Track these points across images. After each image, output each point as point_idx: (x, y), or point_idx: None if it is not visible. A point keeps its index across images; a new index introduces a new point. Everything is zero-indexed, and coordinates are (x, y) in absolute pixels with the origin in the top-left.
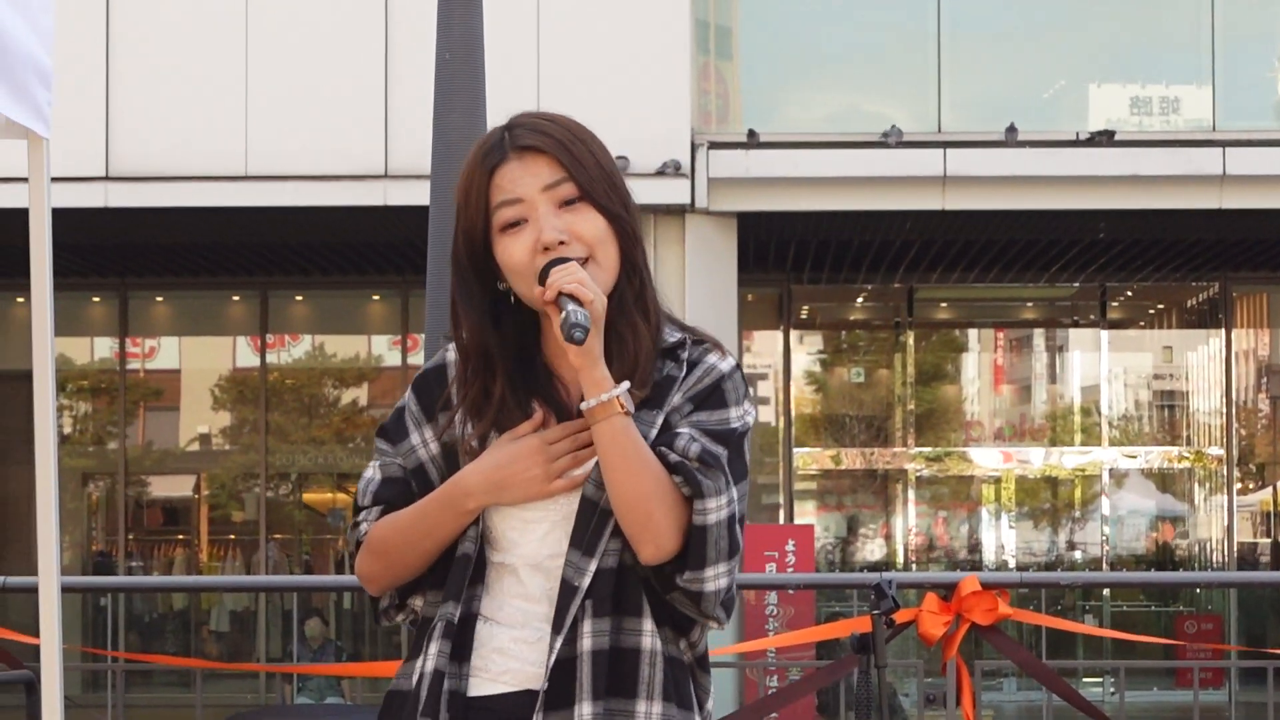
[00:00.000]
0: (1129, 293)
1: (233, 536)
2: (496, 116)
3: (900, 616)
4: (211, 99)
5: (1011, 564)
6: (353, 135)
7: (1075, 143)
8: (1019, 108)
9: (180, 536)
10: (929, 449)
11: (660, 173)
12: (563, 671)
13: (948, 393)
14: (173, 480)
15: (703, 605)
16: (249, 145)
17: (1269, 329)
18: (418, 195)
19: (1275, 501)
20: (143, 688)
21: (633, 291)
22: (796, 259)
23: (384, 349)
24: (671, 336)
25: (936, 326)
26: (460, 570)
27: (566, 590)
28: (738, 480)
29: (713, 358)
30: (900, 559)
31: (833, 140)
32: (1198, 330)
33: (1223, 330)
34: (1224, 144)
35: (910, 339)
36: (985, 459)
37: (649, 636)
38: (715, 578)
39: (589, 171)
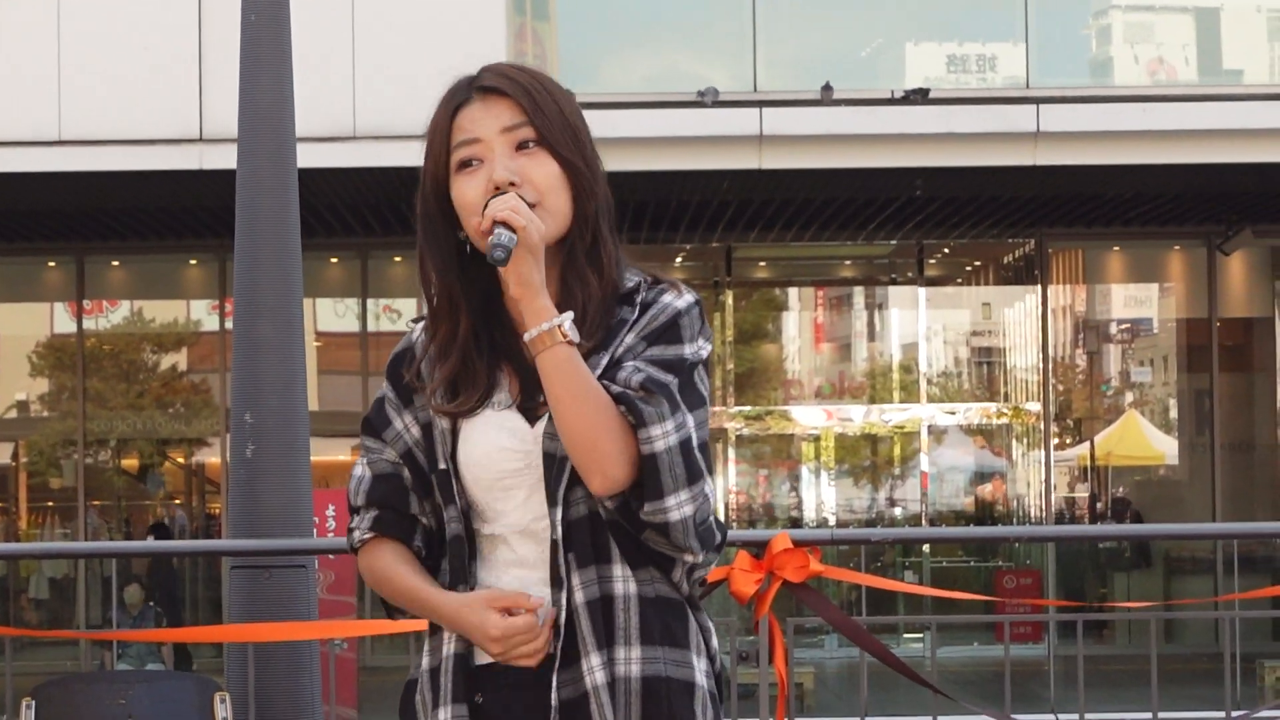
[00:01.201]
0: (946, 250)
1: (51, 504)
2: (307, 80)
3: (711, 575)
4: (23, 62)
5: (832, 521)
6: (167, 98)
7: (891, 101)
8: (836, 67)
9: None
10: (749, 408)
11: None
12: (566, 627)
13: (767, 352)
14: None
15: (672, 536)
16: (62, 109)
17: (1084, 285)
18: (233, 159)
19: (1092, 456)
20: None
21: (584, 245)
22: (615, 220)
23: (203, 313)
24: (629, 282)
25: (755, 286)
26: (458, 552)
27: (554, 547)
28: (693, 407)
29: (668, 296)
30: (721, 519)
31: (649, 100)
32: (1014, 287)
33: (1039, 286)
34: (1038, 101)
35: (729, 298)
36: (805, 417)
37: (620, 582)
38: (678, 506)
39: (549, 118)
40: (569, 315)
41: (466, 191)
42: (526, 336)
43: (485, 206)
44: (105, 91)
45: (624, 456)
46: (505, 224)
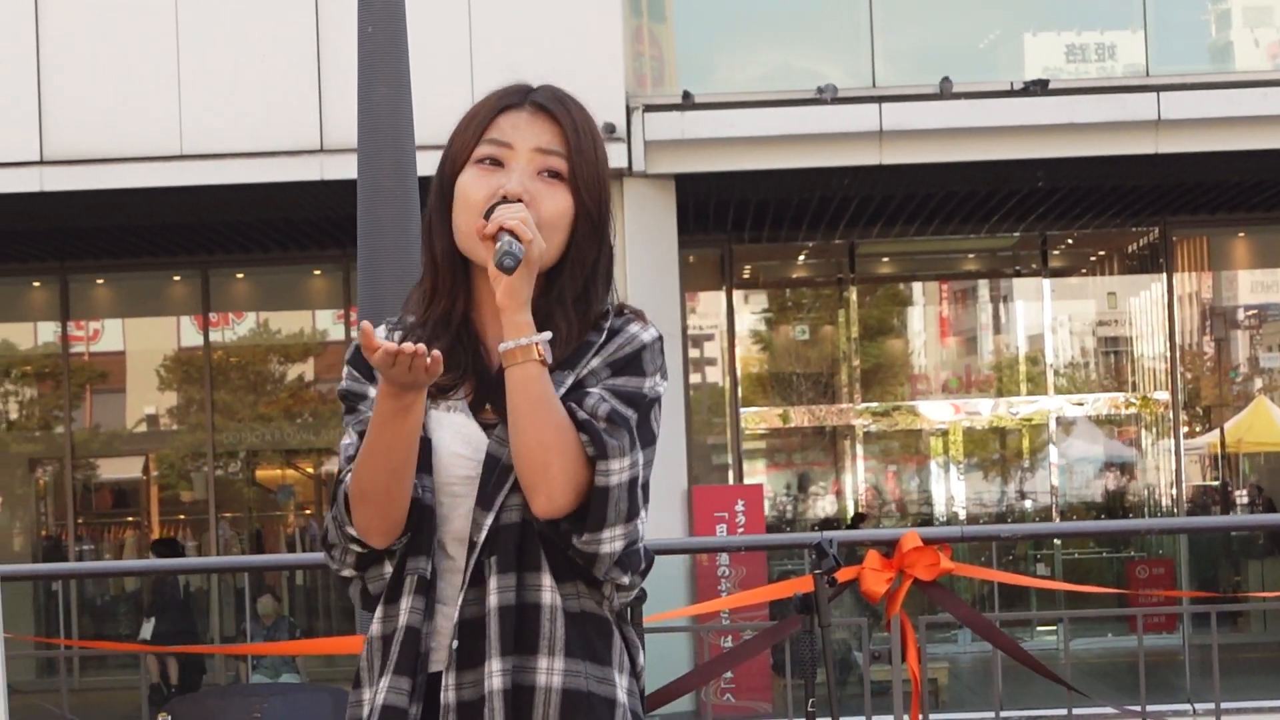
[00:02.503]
0: (1070, 241)
1: (183, 516)
2: (425, 88)
3: (842, 575)
4: (143, 77)
5: (962, 516)
6: (287, 110)
7: (1010, 93)
8: (954, 59)
9: (130, 519)
10: (876, 404)
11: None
12: (473, 629)
13: (893, 347)
14: (121, 462)
15: (595, 566)
16: (183, 123)
17: (1210, 272)
18: (354, 168)
19: (1222, 444)
20: (97, 671)
21: (574, 288)
22: (736, 219)
23: (328, 323)
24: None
25: (879, 281)
26: (424, 521)
27: (470, 547)
28: (645, 445)
29: (634, 327)
30: (850, 515)
31: (767, 99)
32: (1139, 276)
33: (1164, 275)
34: (1158, 89)
35: (853, 295)
36: (933, 412)
37: (549, 591)
38: (611, 540)
39: (584, 161)
40: (547, 335)
41: (473, 187)
42: (502, 347)
43: (489, 211)
44: (225, 104)
45: (572, 483)
46: (513, 234)
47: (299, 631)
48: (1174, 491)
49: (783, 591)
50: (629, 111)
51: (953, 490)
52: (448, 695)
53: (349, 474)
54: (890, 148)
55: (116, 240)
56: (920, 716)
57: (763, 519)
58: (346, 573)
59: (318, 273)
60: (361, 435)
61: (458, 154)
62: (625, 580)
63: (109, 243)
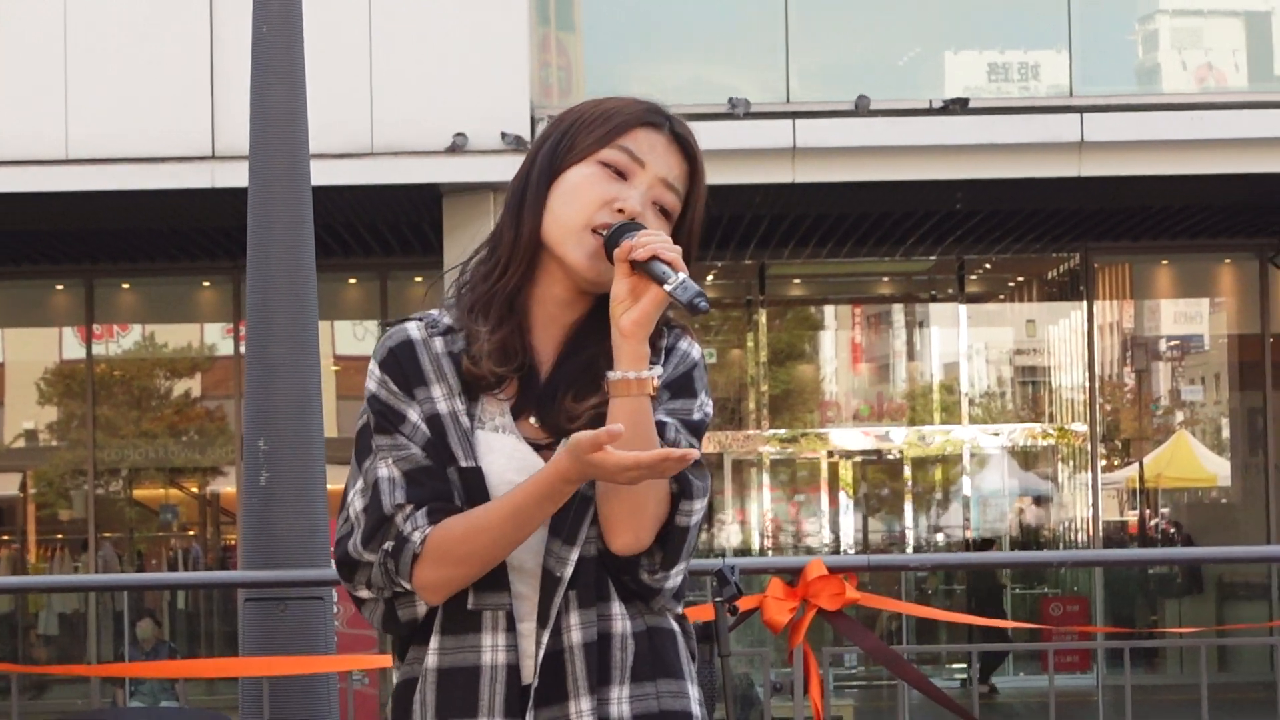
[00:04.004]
0: (988, 265)
1: (61, 535)
2: (321, 92)
3: (744, 603)
4: (29, 78)
5: (871, 548)
6: (177, 114)
7: (929, 111)
8: (872, 76)
9: (5, 537)
10: (784, 430)
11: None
12: (553, 665)
13: (803, 372)
14: None
15: (654, 600)
16: (69, 127)
17: (1132, 300)
18: (247, 176)
19: (1141, 478)
20: None
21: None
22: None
23: (217, 337)
24: None
25: (790, 304)
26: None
27: (550, 581)
28: None
29: (684, 344)
30: (755, 545)
31: (678, 113)
32: (1059, 303)
33: (1084, 303)
34: (1082, 109)
35: (763, 317)
36: (843, 440)
37: (619, 620)
38: (677, 575)
39: (693, 209)
40: (659, 369)
41: (589, 185)
42: (618, 376)
43: (623, 230)
44: (113, 107)
45: (658, 523)
46: (670, 266)
47: (180, 656)
48: (1091, 527)
49: None
50: (534, 122)
51: (861, 523)
52: None
53: (425, 531)
54: (803, 165)
55: None
56: None
57: None
58: (365, 594)
59: (207, 284)
60: (406, 467)
61: (581, 145)
62: (679, 609)
63: None
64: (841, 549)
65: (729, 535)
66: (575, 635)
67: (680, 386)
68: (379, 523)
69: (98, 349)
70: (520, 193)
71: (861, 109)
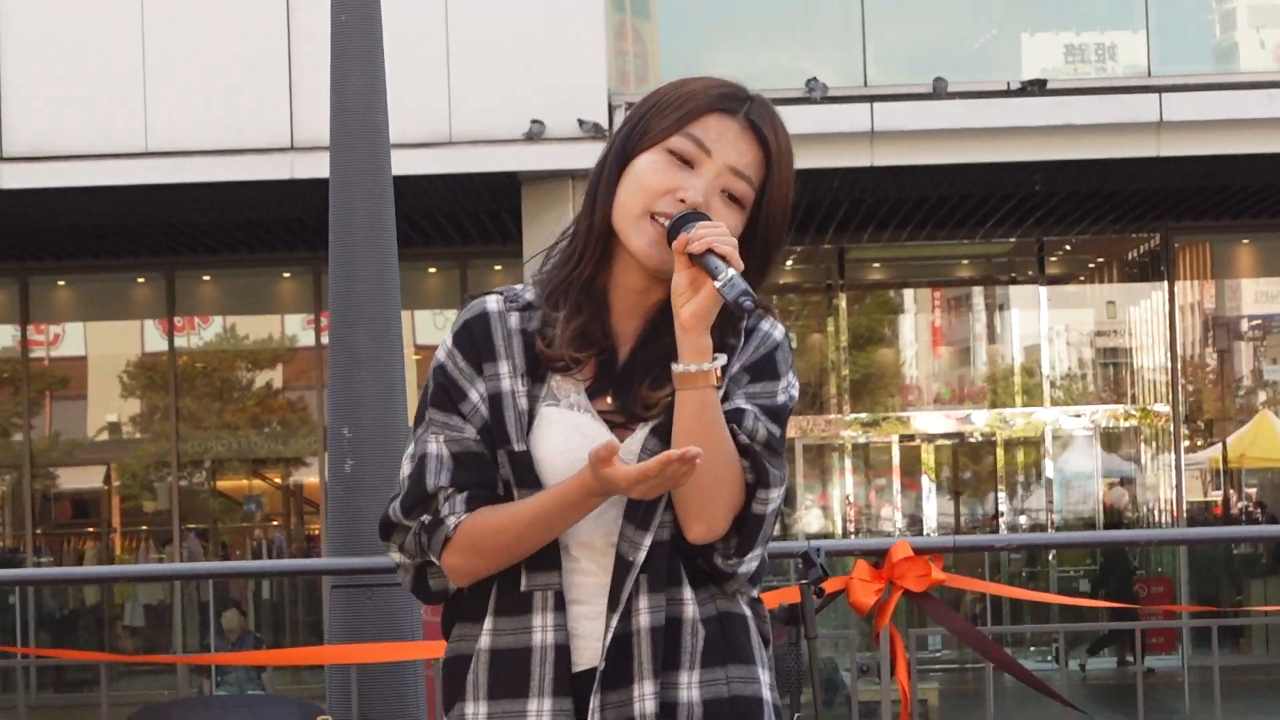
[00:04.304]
0: (1068, 247)
1: (146, 527)
2: (401, 82)
3: (830, 585)
4: (108, 72)
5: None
6: (256, 107)
7: (1006, 93)
8: (948, 59)
9: (91, 529)
10: (866, 415)
11: (578, 137)
12: (620, 648)
13: (884, 356)
14: (81, 471)
15: (729, 584)
16: (148, 120)
17: (1213, 280)
18: (326, 167)
19: (1224, 458)
20: (55, 687)
21: (731, 316)
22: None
23: (297, 328)
24: None
25: (870, 288)
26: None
27: (621, 566)
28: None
29: (766, 325)
30: (839, 529)
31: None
32: (1140, 284)
33: (1165, 283)
34: (1160, 89)
35: (843, 302)
36: (925, 423)
37: (689, 605)
38: (751, 560)
39: (773, 196)
40: (723, 360)
41: (654, 173)
42: (680, 369)
43: (684, 220)
44: (192, 100)
45: (732, 511)
46: (725, 260)
47: (265, 646)
48: (1175, 508)
49: (767, 602)
50: (611, 110)
51: (944, 505)
52: (594, 718)
53: (461, 518)
54: (882, 149)
55: (78, 240)
56: None
57: None
58: (398, 557)
59: (287, 275)
60: (454, 449)
61: (651, 130)
62: (754, 593)
63: (70, 243)
64: (925, 532)
65: (811, 520)
66: (644, 619)
67: (761, 369)
68: (420, 497)
69: (179, 341)
70: (596, 179)
71: (939, 92)
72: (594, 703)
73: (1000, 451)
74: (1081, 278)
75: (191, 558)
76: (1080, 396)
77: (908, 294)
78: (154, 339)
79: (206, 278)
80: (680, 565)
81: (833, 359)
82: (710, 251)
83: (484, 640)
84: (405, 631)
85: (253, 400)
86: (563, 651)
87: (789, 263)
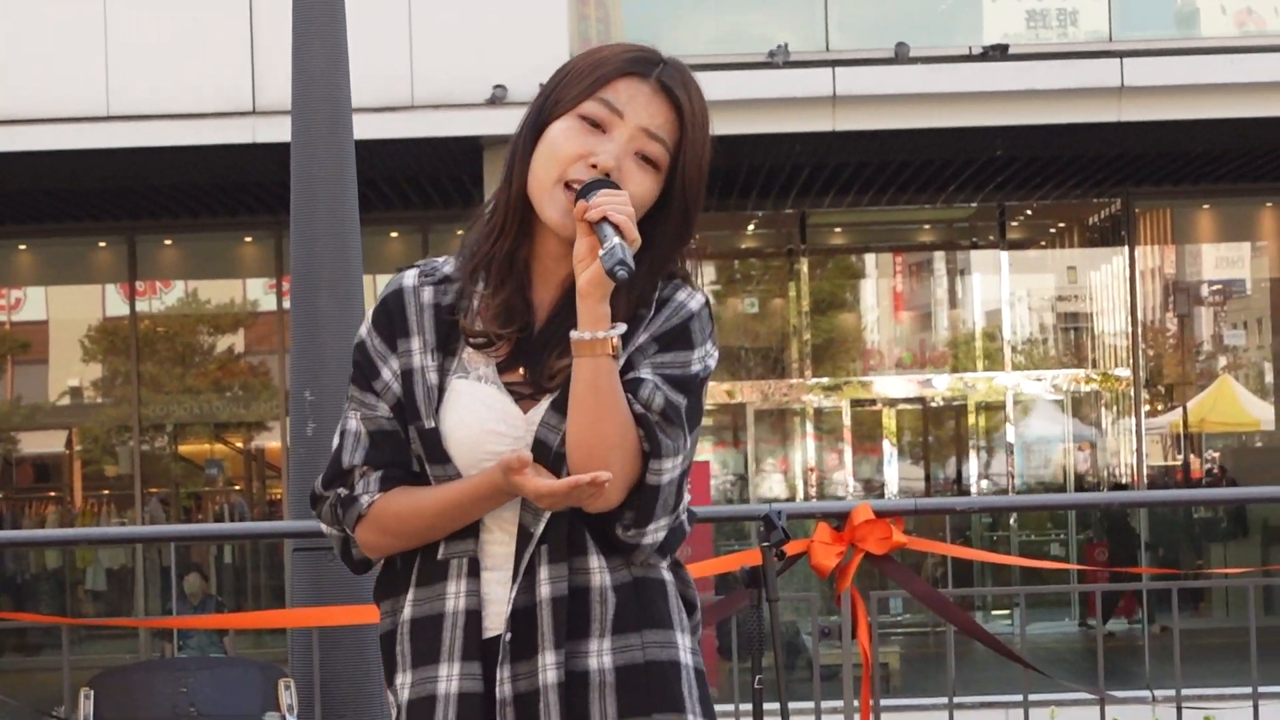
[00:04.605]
0: (1029, 212)
1: (107, 492)
2: (363, 46)
3: (791, 548)
4: (68, 36)
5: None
6: (218, 70)
7: (968, 58)
8: (910, 24)
9: (52, 494)
10: (827, 379)
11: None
12: (525, 619)
13: (846, 321)
14: (43, 436)
15: (635, 555)
16: (109, 83)
17: (1173, 245)
18: (288, 131)
19: (1185, 423)
20: (16, 651)
21: (647, 281)
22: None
23: (259, 292)
24: None
25: (831, 252)
26: None
27: (524, 536)
28: (692, 427)
29: (682, 295)
30: (800, 493)
31: (718, 62)
32: (1101, 249)
33: (1126, 248)
34: (1121, 54)
35: (805, 266)
36: (886, 388)
37: (597, 574)
38: (655, 531)
39: (688, 158)
40: (622, 328)
41: (565, 140)
42: (576, 336)
43: (588, 189)
44: (154, 64)
45: (628, 481)
46: (618, 229)
47: (227, 610)
48: (1135, 472)
49: (729, 565)
50: None
51: (905, 470)
52: (504, 689)
53: (373, 497)
54: (844, 113)
55: (39, 205)
56: (871, 700)
57: (709, 497)
58: (325, 528)
59: (249, 240)
60: (370, 428)
61: (563, 97)
62: (665, 562)
63: (31, 207)
64: (887, 496)
65: (772, 484)
66: (544, 590)
67: (673, 338)
68: (338, 472)
69: (141, 305)
70: (513, 151)
71: (901, 57)
72: (502, 674)
73: (962, 416)
74: (1043, 242)
75: (153, 522)
76: (1041, 361)
77: (869, 259)
78: (115, 303)
79: (168, 242)
80: (586, 534)
81: (794, 324)
82: (605, 220)
83: (406, 610)
84: (367, 595)
85: (214, 364)
86: (473, 616)
87: (750, 227)
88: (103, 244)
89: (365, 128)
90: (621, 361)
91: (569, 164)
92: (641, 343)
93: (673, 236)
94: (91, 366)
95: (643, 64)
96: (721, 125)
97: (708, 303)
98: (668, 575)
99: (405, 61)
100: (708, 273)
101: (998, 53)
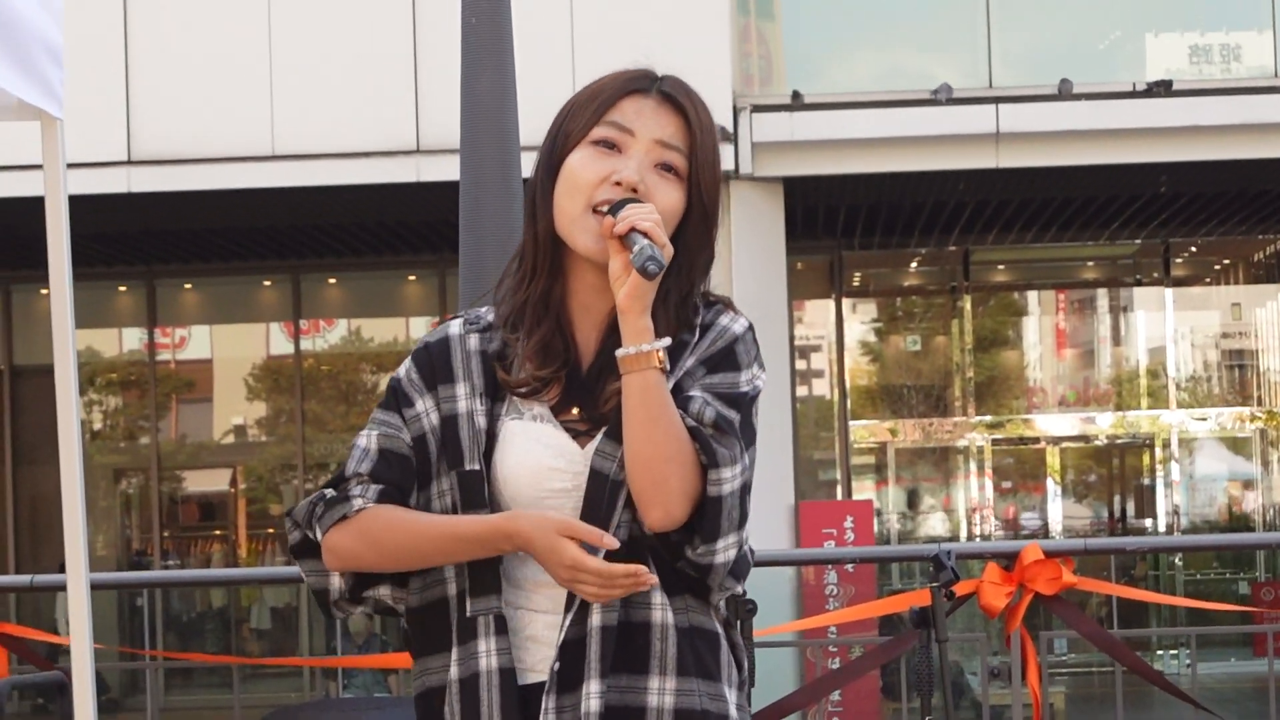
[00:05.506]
0: (1193, 249)
1: (271, 530)
2: (528, 83)
3: (960, 588)
4: (234, 76)
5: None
6: (382, 109)
7: (1132, 94)
8: (1073, 60)
9: (217, 532)
10: (990, 417)
11: None
12: (574, 651)
13: (1008, 359)
14: (208, 474)
15: (710, 577)
16: (274, 124)
17: None
18: (452, 170)
19: None
20: (182, 689)
21: (680, 291)
22: (846, 224)
23: (422, 331)
24: None
25: (994, 290)
26: (490, 564)
27: None
28: (748, 445)
29: (725, 319)
30: (964, 532)
31: (880, 99)
32: (1266, 285)
33: None
34: None
35: (967, 304)
36: (1049, 426)
37: (659, 610)
38: (725, 549)
39: (703, 160)
40: (666, 341)
41: (585, 168)
42: (621, 353)
43: (615, 206)
44: (318, 103)
45: (688, 494)
46: (647, 236)
47: (392, 649)
48: None
49: (897, 605)
50: (736, 112)
51: (1069, 508)
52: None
53: (367, 502)
54: (1007, 150)
55: (205, 244)
56: None
57: (872, 536)
58: (289, 525)
59: (412, 278)
60: (385, 446)
61: (572, 130)
62: (739, 589)
63: (197, 246)
64: (1051, 535)
65: (936, 523)
66: (596, 619)
67: (719, 360)
68: (338, 479)
69: (305, 344)
70: (532, 194)
71: (1064, 93)
72: (547, 703)
73: (1125, 454)
74: (1207, 279)
75: None
76: (1205, 399)
77: (1032, 296)
78: (279, 342)
79: (332, 280)
80: (651, 568)
81: (957, 361)
82: (633, 230)
83: (453, 670)
84: None
85: (377, 403)
86: (507, 675)
87: (913, 264)
88: (267, 283)
89: (532, 166)
90: (671, 384)
91: (593, 189)
92: (689, 367)
93: (698, 239)
94: (256, 405)
95: (641, 80)
96: (883, 162)
97: (751, 326)
98: (720, 629)
99: (569, 96)
100: (870, 309)
101: (1162, 89)
